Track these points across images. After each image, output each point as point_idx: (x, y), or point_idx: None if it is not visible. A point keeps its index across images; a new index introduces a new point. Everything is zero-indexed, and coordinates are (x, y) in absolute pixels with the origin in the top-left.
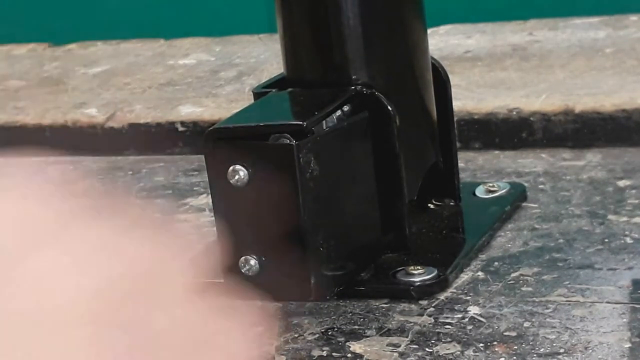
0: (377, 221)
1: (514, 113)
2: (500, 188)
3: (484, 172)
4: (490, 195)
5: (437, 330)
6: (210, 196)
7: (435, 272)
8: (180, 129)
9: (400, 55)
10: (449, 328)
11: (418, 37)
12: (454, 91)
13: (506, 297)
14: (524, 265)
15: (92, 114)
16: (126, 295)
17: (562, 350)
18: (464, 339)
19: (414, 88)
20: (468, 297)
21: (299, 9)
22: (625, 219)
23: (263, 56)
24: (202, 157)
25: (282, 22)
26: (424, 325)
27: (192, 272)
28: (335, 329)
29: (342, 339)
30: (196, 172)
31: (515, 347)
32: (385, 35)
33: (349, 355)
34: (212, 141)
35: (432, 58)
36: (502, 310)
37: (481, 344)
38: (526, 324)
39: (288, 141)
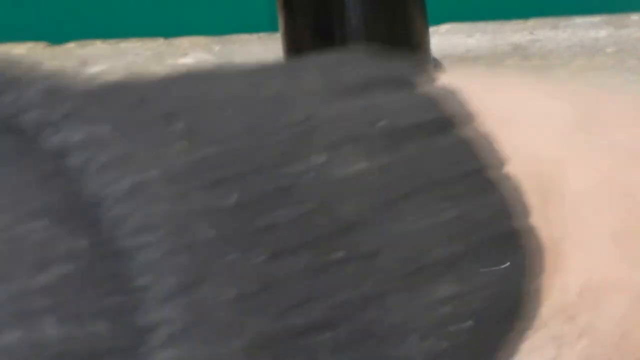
0: None
1: None
2: None
3: None
4: None
5: None
6: None
7: None
8: None
9: (402, 54)
10: None
11: (420, 37)
12: None
13: None
14: None
15: None
16: None
17: None
18: None
19: None
20: None
21: (301, 8)
22: None
23: (263, 56)
24: None
25: (284, 21)
26: None
27: None
28: None
29: None
30: None
31: None
32: (387, 35)
33: None
34: None
35: (433, 58)
36: None
37: None
38: None
39: None
